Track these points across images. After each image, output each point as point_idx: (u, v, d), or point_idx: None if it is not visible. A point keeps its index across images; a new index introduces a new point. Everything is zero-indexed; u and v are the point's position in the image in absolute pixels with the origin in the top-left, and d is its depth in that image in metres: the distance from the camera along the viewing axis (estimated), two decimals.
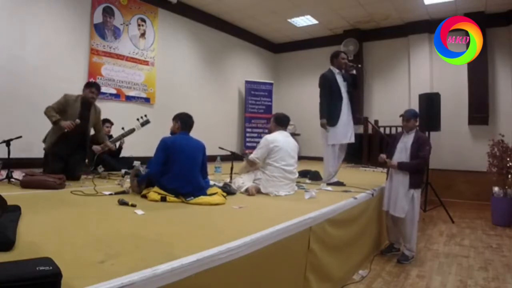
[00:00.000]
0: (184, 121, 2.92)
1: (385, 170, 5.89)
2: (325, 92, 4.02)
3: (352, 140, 4.18)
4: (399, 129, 6.75)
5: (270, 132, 3.51)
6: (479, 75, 6.48)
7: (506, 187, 4.80)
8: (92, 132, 4.08)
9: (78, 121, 3.59)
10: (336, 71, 4.11)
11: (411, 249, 3.22)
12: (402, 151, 3.34)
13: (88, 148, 3.91)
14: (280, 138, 3.33)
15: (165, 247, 1.53)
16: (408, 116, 3.35)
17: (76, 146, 3.78)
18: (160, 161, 2.72)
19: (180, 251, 1.43)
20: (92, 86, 3.81)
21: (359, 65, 4.21)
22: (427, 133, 5.37)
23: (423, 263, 3.20)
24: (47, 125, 3.81)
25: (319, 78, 4.10)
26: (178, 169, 2.70)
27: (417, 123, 3.41)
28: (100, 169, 4.14)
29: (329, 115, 3.99)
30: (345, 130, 4.05)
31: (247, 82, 8.10)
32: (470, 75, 6.61)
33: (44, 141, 3.81)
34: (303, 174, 4.36)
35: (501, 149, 4.96)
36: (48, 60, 4.77)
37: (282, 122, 3.51)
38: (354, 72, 4.18)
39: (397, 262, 3.18)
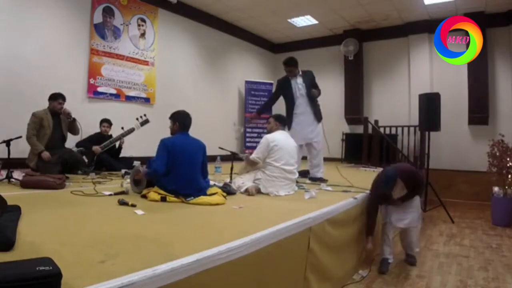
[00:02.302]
0: (182, 122, 2.89)
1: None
2: (272, 94, 4.55)
3: (314, 140, 4.30)
4: (399, 129, 6.80)
5: (269, 132, 3.52)
6: (479, 75, 6.48)
7: (506, 187, 4.80)
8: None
9: (49, 156, 3.77)
10: (290, 75, 4.34)
11: (417, 250, 3.22)
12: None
13: (64, 147, 4.11)
14: (280, 138, 3.34)
15: (165, 247, 1.53)
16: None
17: (60, 154, 3.89)
18: (165, 161, 2.68)
19: (180, 251, 1.43)
20: (58, 98, 3.98)
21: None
22: (427, 133, 5.38)
23: (423, 263, 3.20)
24: None
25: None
26: (179, 170, 2.69)
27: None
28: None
29: (286, 117, 4.24)
30: (301, 133, 4.23)
31: (247, 82, 8.10)
32: (470, 75, 6.61)
33: (27, 161, 3.83)
34: (303, 174, 4.36)
35: (501, 149, 4.95)
36: (48, 60, 4.77)
37: (282, 120, 3.58)
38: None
39: (410, 265, 3.11)
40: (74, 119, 4.12)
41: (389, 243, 3.14)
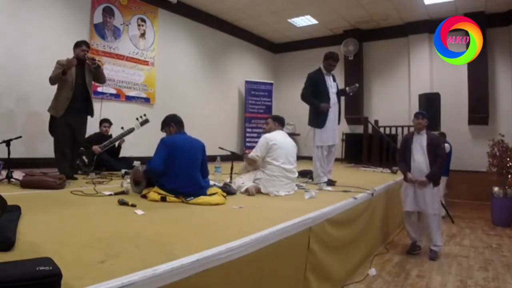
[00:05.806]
0: (176, 121, 2.91)
1: (385, 170, 5.92)
2: (308, 90, 4.05)
3: (337, 142, 4.20)
4: (399, 129, 6.80)
5: (267, 132, 3.52)
6: (479, 75, 6.49)
7: (506, 187, 4.80)
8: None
9: (74, 60, 3.65)
10: (325, 71, 4.11)
11: (437, 244, 3.36)
12: (419, 151, 3.45)
13: (91, 99, 3.92)
14: (278, 137, 3.35)
15: (165, 247, 1.53)
16: (423, 115, 3.50)
17: (83, 106, 3.82)
18: (163, 158, 2.68)
19: (180, 251, 1.43)
20: (81, 45, 3.82)
21: (356, 86, 4.24)
22: None
23: (423, 263, 3.20)
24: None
25: (306, 77, 4.13)
26: (178, 168, 2.69)
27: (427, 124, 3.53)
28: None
29: (316, 116, 4.00)
30: (332, 132, 4.06)
31: (247, 82, 8.10)
32: (470, 75, 6.61)
33: (49, 109, 3.74)
34: (303, 174, 4.36)
35: (501, 149, 4.96)
36: (48, 60, 4.73)
37: (281, 121, 3.58)
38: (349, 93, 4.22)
39: (430, 260, 3.29)
40: (99, 66, 3.94)
41: (411, 228, 3.53)
